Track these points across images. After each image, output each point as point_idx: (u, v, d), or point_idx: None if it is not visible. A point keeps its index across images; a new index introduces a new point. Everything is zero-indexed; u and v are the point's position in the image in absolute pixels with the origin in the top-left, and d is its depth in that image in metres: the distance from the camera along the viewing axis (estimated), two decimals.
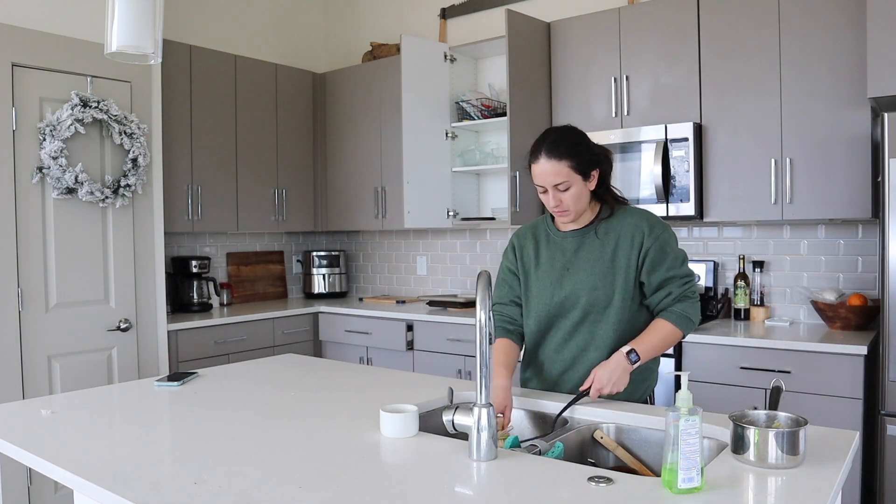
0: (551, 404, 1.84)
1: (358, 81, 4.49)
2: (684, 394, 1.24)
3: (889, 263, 2.50)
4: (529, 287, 2.01)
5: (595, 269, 1.90)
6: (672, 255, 1.88)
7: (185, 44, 3.93)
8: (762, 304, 3.31)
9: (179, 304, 4.10)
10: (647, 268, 1.88)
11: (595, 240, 1.93)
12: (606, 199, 1.96)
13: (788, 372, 2.73)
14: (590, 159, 1.88)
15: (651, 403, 1.99)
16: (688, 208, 3.17)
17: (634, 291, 1.90)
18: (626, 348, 1.82)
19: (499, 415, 1.75)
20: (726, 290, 3.46)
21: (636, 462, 1.67)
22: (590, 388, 1.80)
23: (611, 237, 1.91)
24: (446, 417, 1.59)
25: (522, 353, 2.07)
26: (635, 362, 1.81)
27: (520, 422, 1.89)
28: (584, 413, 1.78)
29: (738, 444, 1.34)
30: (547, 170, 1.85)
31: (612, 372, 1.79)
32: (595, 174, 1.90)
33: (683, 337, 1.90)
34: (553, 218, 2.01)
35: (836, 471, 1.30)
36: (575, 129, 1.94)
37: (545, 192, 1.89)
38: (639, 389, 1.94)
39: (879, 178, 2.59)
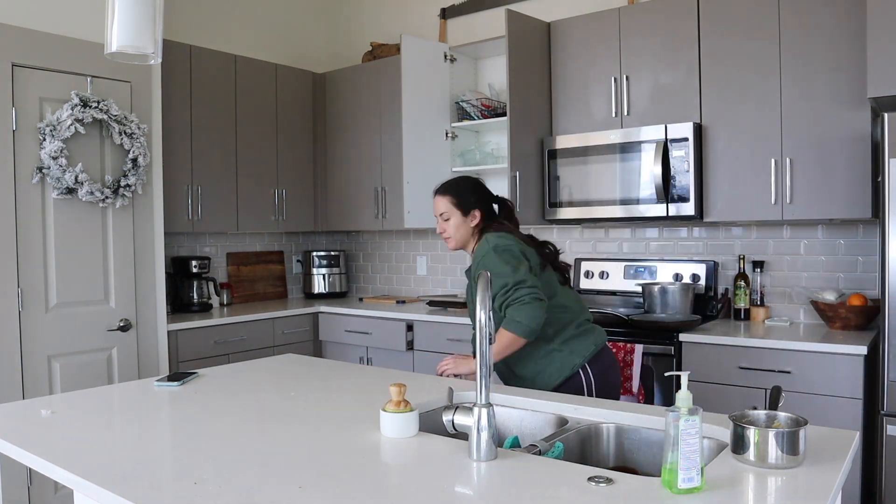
0: (551, 404, 1.84)
1: (358, 81, 4.49)
2: (684, 394, 1.24)
3: (889, 263, 2.50)
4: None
5: (473, 305, 2.30)
6: (491, 274, 2.14)
7: (185, 44, 3.93)
8: (762, 304, 3.31)
9: (179, 304, 4.10)
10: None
11: (473, 268, 2.30)
12: (483, 231, 2.34)
13: (788, 372, 2.73)
14: (471, 200, 2.35)
15: (585, 387, 2.20)
16: (688, 208, 3.17)
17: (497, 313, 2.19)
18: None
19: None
20: (726, 290, 3.46)
21: None
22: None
23: (474, 265, 2.29)
24: (446, 417, 1.58)
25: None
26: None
27: (520, 422, 1.89)
28: (584, 413, 1.78)
29: (738, 444, 1.34)
30: (437, 203, 2.38)
31: (461, 359, 2.25)
32: (477, 213, 2.35)
33: (526, 338, 2.12)
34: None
35: (836, 471, 1.30)
36: (471, 179, 2.46)
37: (438, 221, 2.38)
38: (556, 374, 2.19)
39: (879, 178, 2.59)
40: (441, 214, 2.37)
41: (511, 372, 2.29)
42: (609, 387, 2.24)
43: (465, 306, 3.93)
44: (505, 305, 2.13)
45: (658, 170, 3.19)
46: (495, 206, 2.43)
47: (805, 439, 1.33)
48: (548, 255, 2.32)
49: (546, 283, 2.23)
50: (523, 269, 2.15)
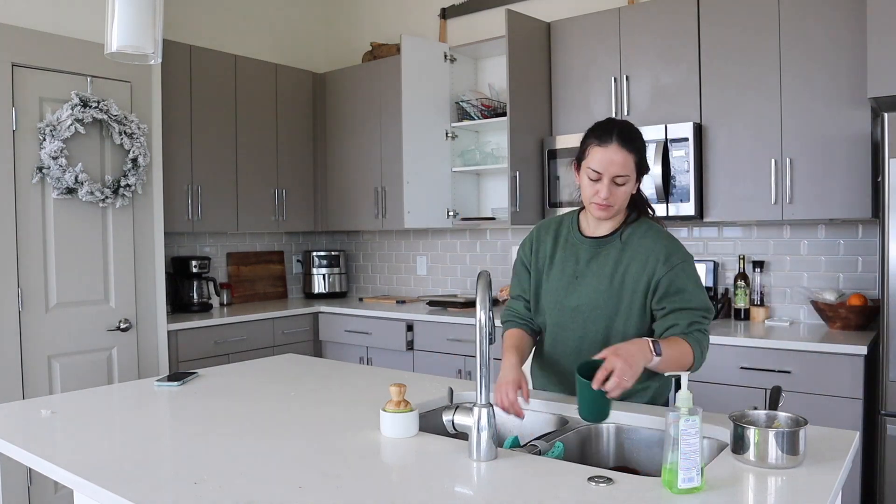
0: (551, 404, 1.84)
1: (358, 81, 4.49)
2: (684, 394, 1.24)
3: (889, 263, 2.50)
4: (541, 285, 1.95)
5: (601, 286, 1.83)
6: (687, 287, 1.76)
7: (185, 44, 3.93)
8: (762, 304, 3.31)
9: (179, 304, 4.10)
10: (661, 292, 1.78)
11: (612, 252, 1.84)
12: (637, 207, 1.87)
13: (788, 372, 2.73)
14: (645, 162, 1.81)
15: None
16: (688, 208, 3.17)
17: (640, 314, 1.81)
18: (654, 342, 1.62)
19: (509, 402, 1.67)
20: (726, 290, 3.46)
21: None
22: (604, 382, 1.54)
23: (626, 253, 1.82)
24: (446, 417, 1.59)
25: (535, 348, 2.03)
26: (658, 354, 1.60)
27: (520, 422, 1.88)
28: None
29: (738, 444, 1.34)
30: (616, 158, 1.74)
31: (631, 360, 1.54)
32: (642, 178, 1.85)
33: (690, 369, 1.69)
34: (579, 219, 1.94)
35: (836, 471, 1.30)
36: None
37: (598, 180, 1.77)
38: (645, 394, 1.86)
39: (879, 178, 2.59)
40: (617, 177, 1.75)
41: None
42: None
43: (465, 306, 3.94)
44: (697, 328, 1.73)
45: (658, 170, 3.19)
46: None
47: (805, 439, 1.33)
48: None
49: None
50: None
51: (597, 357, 1.57)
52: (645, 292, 1.80)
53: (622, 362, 1.52)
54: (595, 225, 1.89)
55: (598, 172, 1.76)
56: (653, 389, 1.87)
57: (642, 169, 1.81)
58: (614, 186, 1.76)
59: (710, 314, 1.78)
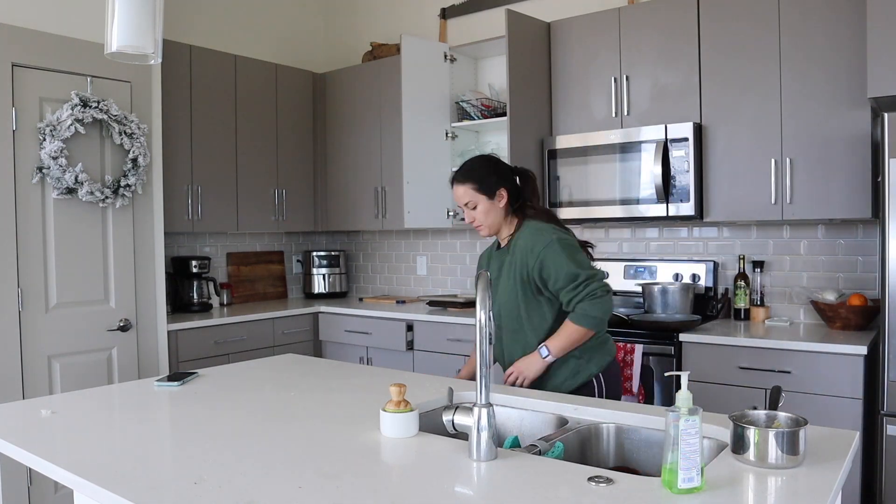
0: (550, 404, 1.84)
1: (358, 81, 4.49)
2: (684, 394, 1.24)
3: (889, 263, 2.50)
4: None
5: (507, 285, 2.20)
6: (555, 268, 2.09)
7: (185, 44, 3.93)
8: (762, 304, 3.31)
9: (179, 304, 4.10)
10: (541, 283, 2.13)
11: (508, 259, 2.21)
12: (523, 215, 2.23)
13: (788, 372, 2.73)
14: (493, 181, 2.20)
15: (597, 394, 2.17)
16: (688, 208, 3.17)
17: (532, 299, 2.16)
18: (543, 349, 2.13)
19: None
20: (726, 290, 3.46)
21: None
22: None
23: (514, 257, 2.18)
24: (446, 417, 1.59)
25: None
26: (545, 357, 2.12)
27: (520, 422, 1.89)
28: (584, 413, 1.78)
29: (738, 444, 1.34)
30: (458, 193, 2.24)
31: (527, 364, 2.14)
32: (503, 192, 2.21)
33: (596, 331, 2.12)
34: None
35: (836, 471, 1.30)
36: (484, 157, 2.33)
37: (464, 211, 2.26)
38: (570, 379, 2.16)
39: (879, 178, 2.59)
40: (466, 204, 2.23)
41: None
42: (614, 395, 2.23)
43: (465, 306, 3.94)
44: (576, 300, 2.07)
45: (658, 170, 3.19)
46: (518, 179, 2.30)
47: (805, 439, 1.33)
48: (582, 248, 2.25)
49: None
50: (587, 261, 2.14)
51: (505, 373, 2.21)
52: (530, 285, 2.16)
53: (518, 371, 2.17)
54: (501, 239, 2.30)
55: (459, 206, 2.30)
56: (572, 364, 2.16)
57: (489, 188, 2.20)
58: (471, 211, 2.24)
59: (581, 277, 2.08)
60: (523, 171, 2.30)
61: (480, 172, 2.22)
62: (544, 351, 2.12)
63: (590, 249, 2.26)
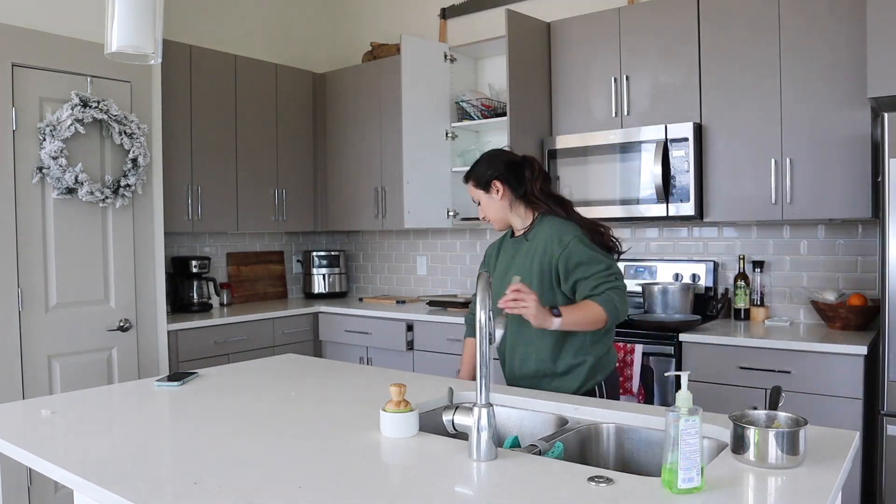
0: (550, 404, 1.84)
1: (358, 81, 4.49)
2: (684, 394, 1.24)
3: (889, 263, 2.50)
4: (493, 290, 2.16)
5: (522, 270, 2.13)
6: (587, 256, 2.05)
7: (185, 44, 3.93)
8: (762, 304, 3.31)
9: (179, 304, 4.10)
10: (563, 276, 2.07)
11: (525, 248, 2.17)
12: (537, 206, 2.19)
13: (788, 372, 2.73)
14: (487, 176, 2.18)
15: (601, 395, 2.13)
16: (688, 208, 3.17)
17: (550, 292, 2.09)
18: (557, 312, 1.98)
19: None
20: (726, 290, 3.46)
21: None
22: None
23: (533, 246, 2.15)
24: (446, 417, 1.58)
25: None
26: (556, 317, 1.96)
27: (520, 422, 1.89)
28: (584, 413, 1.78)
29: (738, 444, 1.34)
30: (469, 191, 2.26)
31: (536, 306, 1.91)
32: (497, 184, 2.17)
33: (607, 323, 2.01)
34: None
35: (836, 471, 1.30)
36: (484, 155, 2.26)
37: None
38: (581, 388, 2.10)
39: (879, 178, 2.59)
40: (474, 200, 2.26)
41: (522, 362, 2.17)
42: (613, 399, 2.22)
43: (465, 306, 3.94)
44: (607, 286, 2.00)
45: (658, 170, 3.19)
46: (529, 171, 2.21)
47: (805, 439, 1.33)
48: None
49: None
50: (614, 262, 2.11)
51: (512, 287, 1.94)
52: (550, 274, 2.10)
53: (528, 296, 1.91)
54: (516, 230, 2.26)
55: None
56: (588, 364, 2.10)
57: (483, 184, 2.19)
58: (480, 207, 2.25)
59: (612, 270, 2.05)
60: (523, 157, 2.24)
61: (477, 169, 2.23)
62: (557, 311, 1.96)
63: (618, 245, 2.18)
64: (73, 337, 3.23)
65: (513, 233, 2.27)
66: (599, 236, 2.13)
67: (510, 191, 2.18)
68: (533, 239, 2.15)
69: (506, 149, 2.35)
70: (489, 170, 2.19)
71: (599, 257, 2.06)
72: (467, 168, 4.32)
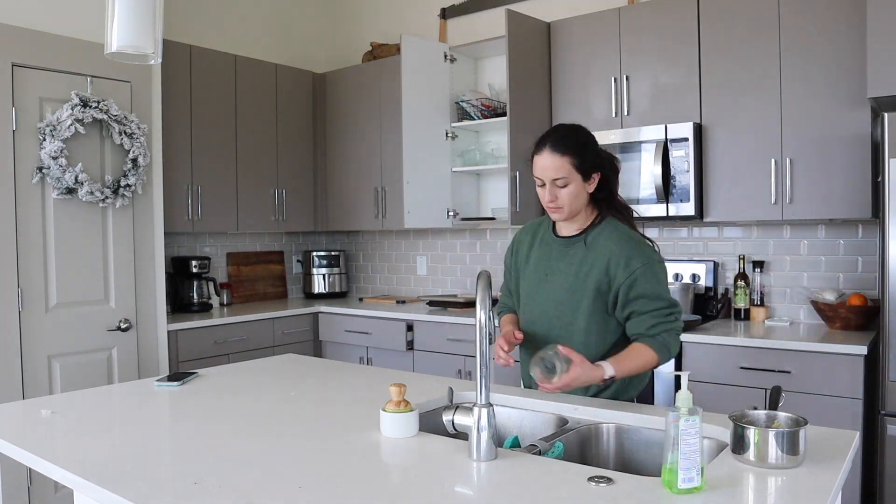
0: (550, 404, 1.84)
1: (358, 81, 4.49)
2: (684, 394, 1.24)
3: (889, 263, 2.50)
4: (520, 284, 2.08)
5: (566, 283, 1.93)
6: (651, 289, 1.84)
7: (185, 44, 3.93)
8: (762, 304, 3.31)
9: (179, 304, 4.10)
10: (620, 304, 1.88)
11: (577, 252, 1.93)
12: (603, 208, 1.96)
13: (788, 372, 2.73)
14: (592, 161, 1.89)
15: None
16: (688, 208, 3.17)
17: (602, 313, 1.90)
18: (609, 369, 1.78)
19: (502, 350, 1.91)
20: (726, 290, 3.46)
21: None
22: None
23: (591, 254, 1.90)
24: (446, 417, 1.59)
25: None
26: (608, 376, 1.78)
27: (520, 422, 1.89)
28: (584, 413, 1.78)
29: (738, 444, 1.34)
30: (548, 164, 1.87)
31: (585, 377, 1.74)
32: (596, 177, 1.91)
33: (657, 366, 1.86)
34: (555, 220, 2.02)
35: (836, 471, 1.30)
36: (584, 129, 1.95)
37: (543, 185, 1.90)
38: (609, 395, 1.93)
39: (879, 178, 2.59)
40: (556, 180, 1.87)
41: None
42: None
43: (465, 306, 3.94)
44: (664, 328, 1.83)
45: (658, 170, 3.19)
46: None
47: (805, 439, 1.33)
48: None
49: None
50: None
51: (563, 353, 1.73)
52: (606, 294, 1.89)
53: (571, 380, 1.72)
54: (565, 226, 1.98)
55: (540, 179, 1.90)
56: (615, 386, 1.92)
57: (587, 168, 1.88)
58: (556, 189, 1.87)
59: (673, 308, 1.86)
60: (611, 157, 1.99)
61: (583, 148, 1.88)
62: (609, 370, 1.78)
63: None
64: (73, 337, 3.23)
65: (554, 227, 2.02)
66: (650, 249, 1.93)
67: (598, 188, 1.93)
68: (593, 247, 1.90)
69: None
70: (595, 158, 1.91)
71: (662, 292, 1.85)
72: (467, 168, 4.35)
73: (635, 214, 2.04)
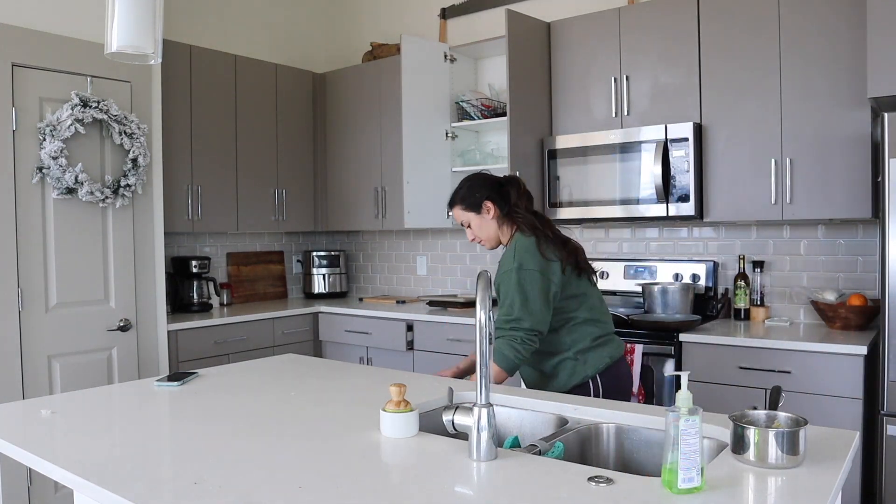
0: (550, 404, 1.84)
1: (358, 81, 4.49)
2: (684, 394, 1.24)
3: (889, 263, 2.50)
4: None
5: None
6: (499, 294, 2.18)
7: (185, 44, 3.93)
8: (762, 304, 3.31)
9: (179, 304, 4.10)
10: None
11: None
12: (518, 226, 2.25)
13: (788, 372, 2.73)
14: (475, 197, 2.29)
15: (592, 395, 2.16)
16: (688, 208, 3.17)
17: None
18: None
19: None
20: (726, 290, 3.46)
21: None
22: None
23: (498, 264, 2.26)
24: (446, 417, 1.58)
25: None
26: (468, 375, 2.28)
27: (520, 422, 1.89)
28: (584, 413, 1.78)
29: (738, 444, 1.34)
30: (455, 216, 2.37)
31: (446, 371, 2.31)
32: (488, 205, 2.27)
33: (509, 373, 2.12)
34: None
35: (836, 471, 1.30)
36: (470, 178, 2.36)
37: (466, 231, 2.37)
38: (568, 379, 2.18)
39: (879, 178, 2.59)
40: (463, 224, 2.36)
41: (526, 377, 2.34)
42: (617, 396, 2.20)
43: (465, 306, 3.94)
44: (498, 335, 2.13)
45: (658, 170, 3.19)
46: (512, 191, 2.32)
47: (805, 439, 1.33)
48: (571, 256, 2.21)
49: (580, 290, 2.21)
50: (533, 303, 2.10)
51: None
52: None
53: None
54: (502, 248, 2.35)
55: (465, 228, 2.38)
56: (570, 359, 2.18)
57: (474, 204, 2.29)
58: (468, 229, 2.35)
59: (513, 320, 2.10)
60: (507, 178, 2.37)
61: (464, 192, 2.33)
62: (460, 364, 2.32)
63: (572, 245, 2.24)
64: (73, 337, 3.23)
65: None
66: (574, 257, 2.20)
67: (499, 210, 2.28)
68: (501, 257, 2.25)
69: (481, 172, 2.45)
70: (478, 192, 2.29)
71: (514, 300, 2.11)
72: (467, 168, 4.35)
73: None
